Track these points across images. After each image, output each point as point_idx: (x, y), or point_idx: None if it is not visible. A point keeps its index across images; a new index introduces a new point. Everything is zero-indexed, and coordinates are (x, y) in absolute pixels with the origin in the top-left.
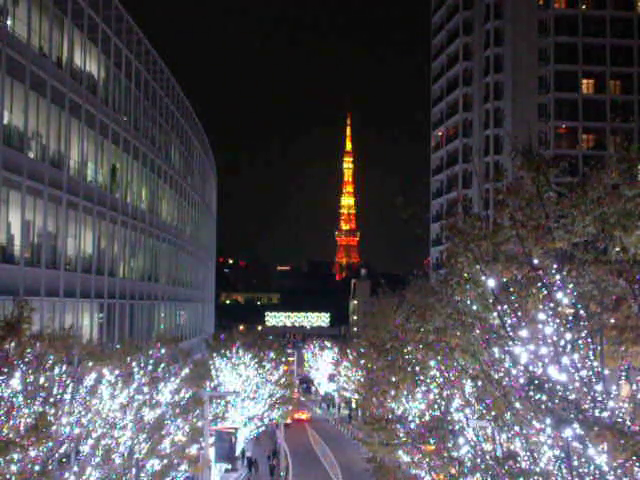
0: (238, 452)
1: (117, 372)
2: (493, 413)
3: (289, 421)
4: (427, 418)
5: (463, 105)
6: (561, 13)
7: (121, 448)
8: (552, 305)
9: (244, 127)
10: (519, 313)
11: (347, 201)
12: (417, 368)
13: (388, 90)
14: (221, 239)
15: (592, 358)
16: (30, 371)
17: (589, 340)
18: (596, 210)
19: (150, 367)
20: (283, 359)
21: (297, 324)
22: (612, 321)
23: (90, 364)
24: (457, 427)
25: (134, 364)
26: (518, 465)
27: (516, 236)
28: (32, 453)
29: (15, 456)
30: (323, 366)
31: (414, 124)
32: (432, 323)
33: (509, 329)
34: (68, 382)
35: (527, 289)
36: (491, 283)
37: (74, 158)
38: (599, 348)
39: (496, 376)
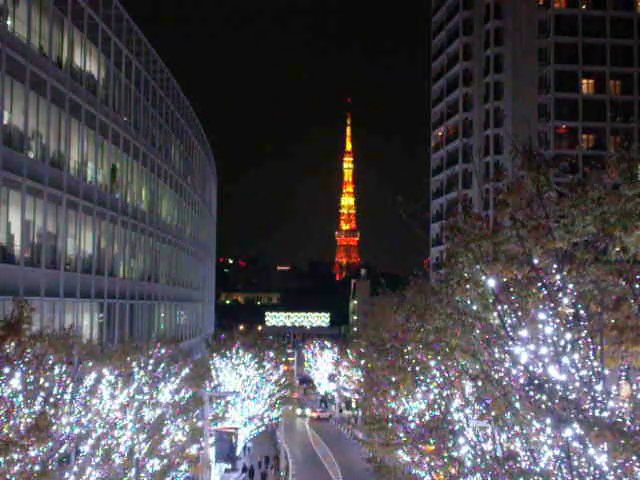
0: (239, 451)
1: (117, 372)
2: (493, 413)
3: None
4: (427, 418)
5: (463, 105)
6: (561, 13)
7: (121, 448)
8: (552, 305)
9: (244, 127)
10: (519, 313)
11: (347, 201)
12: (417, 368)
13: (388, 90)
14: (221, 239)
15: (592, 358)
16: (30, 371)
17: (589, 340)
18: (596, 210)
19: (150, 367)
20: (283, 359)
21: (297, 324)
22: (612, 321)
23: (90, 364)
24: (457, 427)
25: (134, 364)
26: (518, 465)
27: (516, 236)
28: (32, 453)
29: (15, 456)
30: (323, 366)
31: (414, 124)
32: (432, 323)
33: (509, 329)
34: (68, 382)
35: (527, 289)
36: (491, 283)
37: (74, 158)
38: (599, 348)
39: (496, 376)
